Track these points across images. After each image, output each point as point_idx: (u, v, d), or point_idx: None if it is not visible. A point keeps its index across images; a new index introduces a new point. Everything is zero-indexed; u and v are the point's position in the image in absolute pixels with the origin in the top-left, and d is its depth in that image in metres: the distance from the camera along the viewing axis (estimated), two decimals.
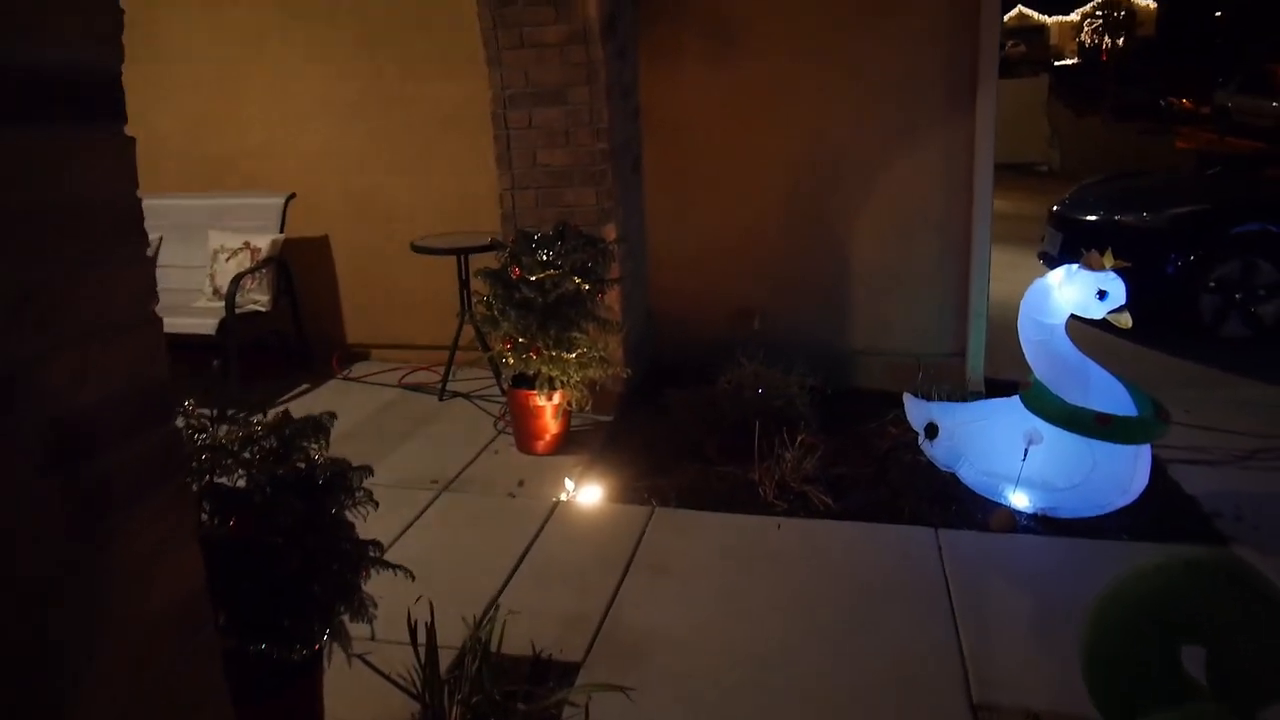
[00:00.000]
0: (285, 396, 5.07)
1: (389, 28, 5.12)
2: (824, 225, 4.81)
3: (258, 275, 4.95)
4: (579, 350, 3.98)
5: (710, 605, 2.95)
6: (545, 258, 3.93)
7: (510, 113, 4.36)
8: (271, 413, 2.15)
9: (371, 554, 2.16)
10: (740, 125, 4.81)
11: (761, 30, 4.65)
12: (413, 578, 2.21)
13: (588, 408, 4.13)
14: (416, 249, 4.78)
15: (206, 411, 2.02)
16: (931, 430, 3.77)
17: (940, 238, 4.65)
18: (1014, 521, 3.41)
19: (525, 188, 4.44)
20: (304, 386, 5.22)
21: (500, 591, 3.02)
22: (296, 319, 5.37)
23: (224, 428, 2.04)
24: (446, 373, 4.99)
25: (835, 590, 3.03)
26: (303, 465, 2.10)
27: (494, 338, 4.12)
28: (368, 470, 2.19)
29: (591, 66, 4.18)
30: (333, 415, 2.23)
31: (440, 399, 4.90)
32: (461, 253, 4.74)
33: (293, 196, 5.23)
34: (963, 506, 3.55)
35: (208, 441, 1.99)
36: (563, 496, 3.72)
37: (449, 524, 3.55)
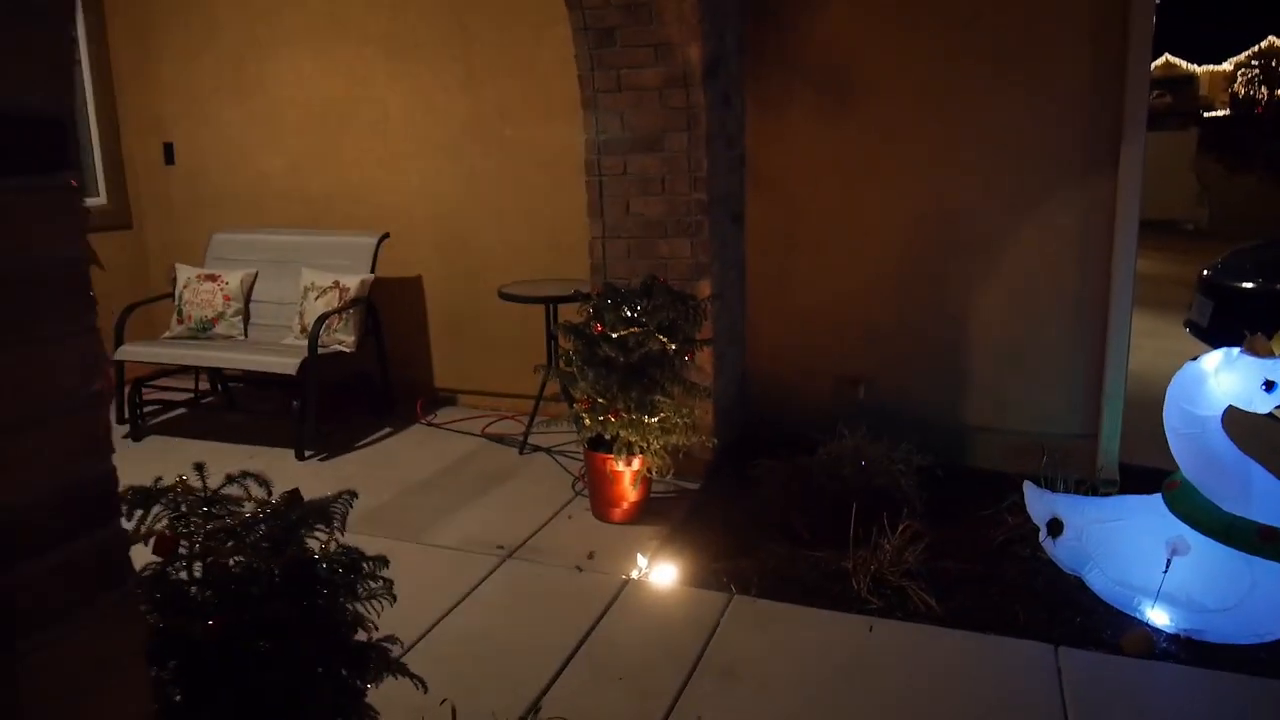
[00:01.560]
0: (366, 440, 4.93)
1: (492, 69, 4.99)
2: (941, 290, 4.40)
3: (344, 315, 4.84)
4: (662, 414, 3.68)
5: None
6: (630, 314, 3.66)
7: (604, 158, 4.14)
8: (279, 493, 1.91)
9: (379, 657, 1.89)
10: (853, 181, 4.46)
11: (879, 81, 4.30)
12: (425, 689, 1.93)
13: (670, 475, 3.82)
14: (504, 296, 4.59)
15: (198, 488, 1.79)
16: (1055, 527, 3.31)
17: (1073, 307, 4.17)
18: (1151, 644, 2.92)
19: (617, 237, 4.20)
20: (386, 430, 5.08)
21: (548, 688, 2.72)
22: (382, 361, 5.25)
23: (213, 509, 1.79)
24: (529, 426, 4.76)
25: (932, 712, 2.62)
26: (302, 556, 1.84)
27: (574, 395, 3.87)
28: (382, 561, 1.93)
29: (691, 112, 3.92)
30: (353, 495, 1.98)
31: (521, 452, 4.67)
32: (547, 302, 4.53)
33: (386, 236, 5.13)
34: (1089, 620, 3.08)
35: (188, 527, 1.74)
36: (634, 574, 3.41)
37: (507, 597, 3.27)
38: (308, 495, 3.83)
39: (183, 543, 1.73)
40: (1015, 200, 4.20)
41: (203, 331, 5.12)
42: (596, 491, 3.88)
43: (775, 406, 4.68)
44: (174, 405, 5.31)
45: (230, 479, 1.83)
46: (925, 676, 2.78)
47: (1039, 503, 3.43)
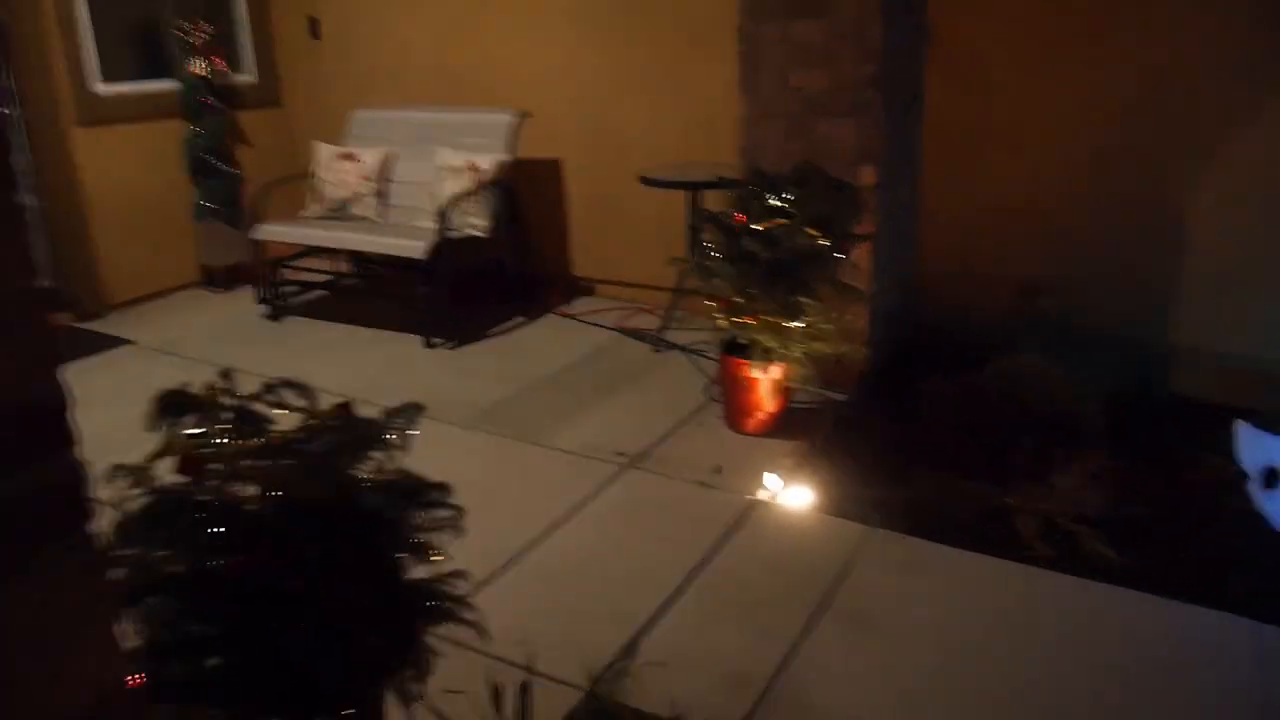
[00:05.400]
0: (497, 329, 4.73)
1: None
2: (1156, 188, 3.72)
3: (478, 198, 4.59)
4: (808, 318, 3.26)
5: (922, 683, 2.22)
6: (778, 204, 3.22)
7: (760, 24, 3.64)
8: (332, 404, 1.65)
9: (438, 599, 1.63)
10: (1055, 57, 3.79)
11: None
12: (485, 636, 1.66)
13: (814, 385, 3.42)
14: (645, 181, 4.21)
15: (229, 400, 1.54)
16: (1272, 477, 2.75)
17: None
18: None
19: (772, 116, 3.72)
20: (519, 320, 4.86)
21: (651, 622, 2.44)
22: (518, 247, 5.00)
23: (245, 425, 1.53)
24: (665, 322, 4.43)
25: (1098, 691, 2.19)
26: (344, 483, 1.58)
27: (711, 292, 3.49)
28: (443, 490, 1.65)
29: None
30: (419, 408, 1.69)
31: (655, 350, 4.36)
32: (690, 188, 4.12)
33: (525, 115, 4.81)
34: None
35: (219, 448, 1.49)
36: (763, 495, 3.07)
37: (621, 513, 3.00)
38: (431, 386, 3.60)
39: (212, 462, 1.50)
40: (1265, 77, 3.45)
41: (340, 212, 5.00)
42: (731, 399, 3.53)
43: (944, 315, 4.15)
44: (313, 287, 5.26)
45: (269, 387, 1.57)
46: (1094, 646, 2.34)
47: (1254, 447, 2.86)
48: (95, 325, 5.04)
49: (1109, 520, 2.77)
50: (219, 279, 5.56)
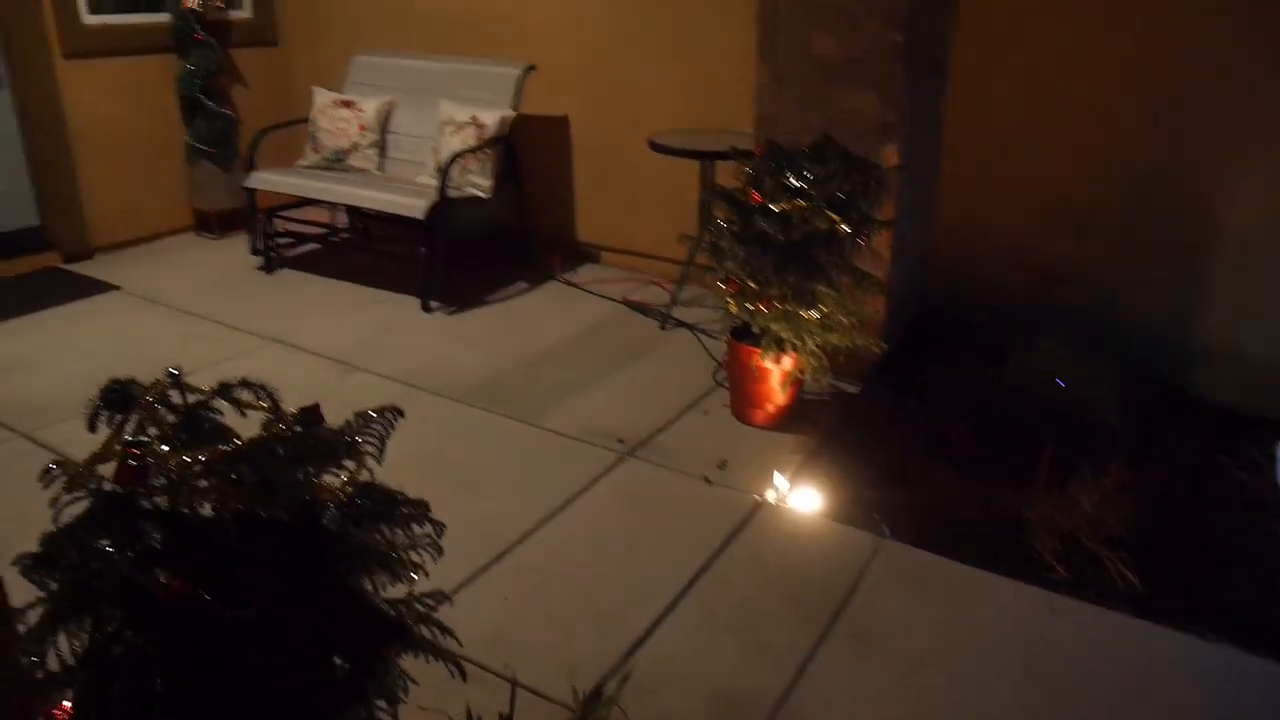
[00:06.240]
0: (498, 295, 4.54)
1: None
2: (1190, 175, 3.50)
3: (481, 155, 4.37)
4: (823, 308, 3.08)
5: (931, 713, 2.08)
6: (795, 183, 3.02)
7: None
8: (295, 407, 1.47)
9: (405, 624, 1.47)
10: (1093, 22, 3.55)
11: None
12: (464, 675, 1.50)
13: (825, 381, 3.25)
14: (654, 146, 4.00)
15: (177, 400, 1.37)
16: None
17: None
18: None
19: (789, 83, 3.49)
20: (521, 285, 4.68)
21: (645, 636, 2.29)
22: (521, 208, 4.79)
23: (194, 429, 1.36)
24: (673, 298, 4.25)
25: None
26: (305, 499, 1.41)
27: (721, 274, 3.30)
28: (422, 506, 1.49)
29: None
30: (398, 413, 1.51)
31: (662, 326, 4.18)
32: (703, 157, 3.91)
33: (531, 69, 4.57)
34: None
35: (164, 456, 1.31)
36: (769, 495, 2.92)
37: (616, 509, 2.84)
38: (425, 353, 3.37)
39: (155, 472, 1.33)
40: None
41: (336, 162, 4.78)
42: (738, 388, 3.36)
43: (959, 300, 3.96)
44: (308, 239, 5.06)
45: (226, 385, 1.40)
46: (1115, 686, 2.20)
47: None
48: (81, 267, 4.86)
49: (1133, 542, 2.62)
50: (213, 224, 5.36)
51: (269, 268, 4.80)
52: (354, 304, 4.42)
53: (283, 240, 4.92)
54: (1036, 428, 3.08)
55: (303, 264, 4.91)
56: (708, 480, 2.99)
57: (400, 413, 1.55)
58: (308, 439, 1.39)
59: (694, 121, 4.36)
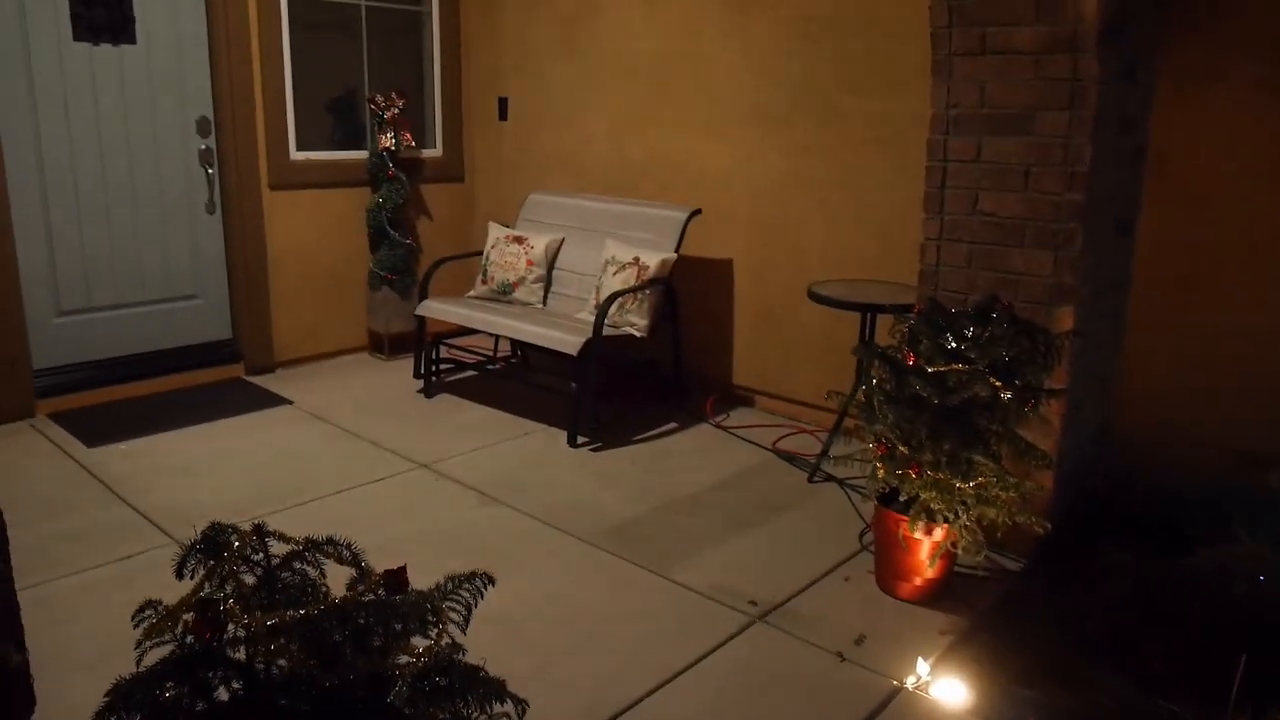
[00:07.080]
0: (646, 434, 4.49)
1: (832, 25, 4.26)
2: None
3: (639, 296, 4.40)
4: (980, 479, 2.84)
5: None
6: (955, 345, 2.85)
7: (953, 139, 3.29)
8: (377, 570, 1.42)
9: None
10: None
11: None
12: None
13: (981, 556, 2.98)
14: (813, 295, 3.91)
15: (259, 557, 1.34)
16: None
17: None
18: None
19: (957, 240, 3.35)
20: (671, 425, 4.61)
21: None
22: (676, 348, 4.78)
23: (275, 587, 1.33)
24: (825, 449, 4.07)
25: None
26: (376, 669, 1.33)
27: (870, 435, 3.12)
28: (498, 686, 1.39)
29: (1077, 85, 2.97)
30: (489, 581, 1.45)
31: (810, 479, 3.99)
32: (861, 309, 3.78)
33: (697, 213, 4.62)
34: None
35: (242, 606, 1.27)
36: (909, 681, 2.64)
37: (741, 680, 2.63)
38: (564, 490, 3.32)
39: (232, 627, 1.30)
40: None
41: (503, 294, 4.93)
42: (883, 556, 3.13)
43: (1143, 477, 3.59)
44: (468, 366, 5.21)
45: (307, 547, 1.37)
46: None
47: None
48: (261, 380, 5.16)
49: None
50: (385, 346, 5.62)
51: (429, 392, 4.95)
52: (504, 433, 4.46)
53: (445, 365, 5.07)
54: (1231, 635, 2.69)
55: (461, 389, 5.04)
56: (841, 657, 2.75)
57: (491, 580, 1.48)
58: (388, 606, 1.33)
59: (860, 270, 4.26)
